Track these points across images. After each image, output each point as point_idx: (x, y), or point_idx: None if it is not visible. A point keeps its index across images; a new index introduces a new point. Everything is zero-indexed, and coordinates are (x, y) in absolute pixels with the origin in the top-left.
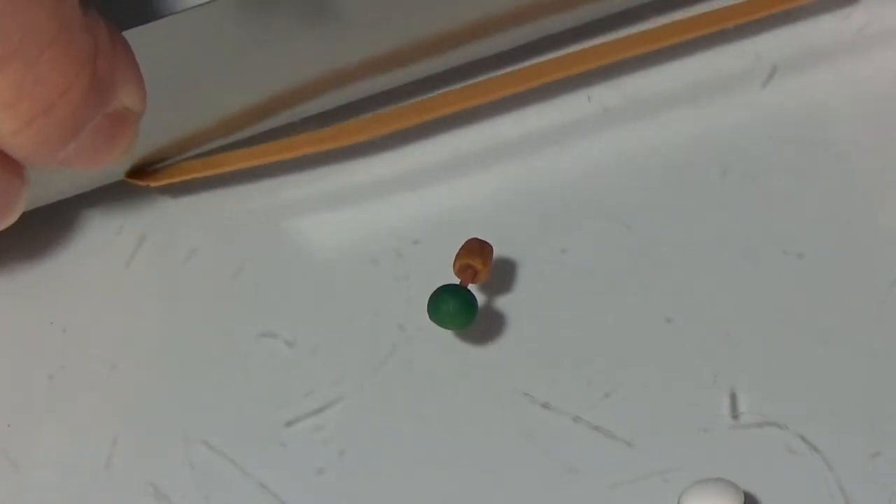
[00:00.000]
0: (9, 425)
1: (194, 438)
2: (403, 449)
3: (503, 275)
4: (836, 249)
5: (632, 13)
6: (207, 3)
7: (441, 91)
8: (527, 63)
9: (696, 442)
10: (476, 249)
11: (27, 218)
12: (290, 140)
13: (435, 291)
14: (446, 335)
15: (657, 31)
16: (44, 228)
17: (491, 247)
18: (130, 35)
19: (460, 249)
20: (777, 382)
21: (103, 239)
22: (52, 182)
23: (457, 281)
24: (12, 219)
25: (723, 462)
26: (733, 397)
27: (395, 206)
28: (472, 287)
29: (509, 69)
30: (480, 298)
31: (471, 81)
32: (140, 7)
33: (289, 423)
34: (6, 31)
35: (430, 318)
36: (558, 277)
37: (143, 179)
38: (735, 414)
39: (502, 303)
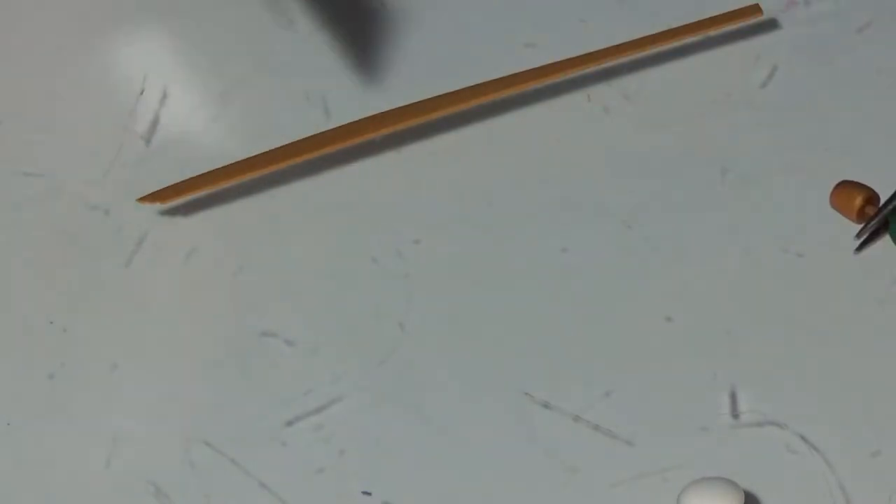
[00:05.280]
0: (8, 424)
1: (194, 438)
2: (403, 449)
3: (503, 274)
4: (836, 249)
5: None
6: None
7: (441, 92)
8: (526, 66)
9: (696, 441)
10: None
11: (28, 217)
12: (292, 145)
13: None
14: (446, 335)
15: (657, 34)
16: (44, 228)
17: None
18: None
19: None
20: (777, 382)
21: (103, 239)
22: None
23: None
24: None
25: (723, 461)
26: (733, 397)
27: (395, 206)
28: None
29: (509, 72)
30: (480, 298)
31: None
32: None
33: (289, 423)
34: None
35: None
36: (558, 277)
37: (153, 200)
38: (735, 413)
39: (502, 302)
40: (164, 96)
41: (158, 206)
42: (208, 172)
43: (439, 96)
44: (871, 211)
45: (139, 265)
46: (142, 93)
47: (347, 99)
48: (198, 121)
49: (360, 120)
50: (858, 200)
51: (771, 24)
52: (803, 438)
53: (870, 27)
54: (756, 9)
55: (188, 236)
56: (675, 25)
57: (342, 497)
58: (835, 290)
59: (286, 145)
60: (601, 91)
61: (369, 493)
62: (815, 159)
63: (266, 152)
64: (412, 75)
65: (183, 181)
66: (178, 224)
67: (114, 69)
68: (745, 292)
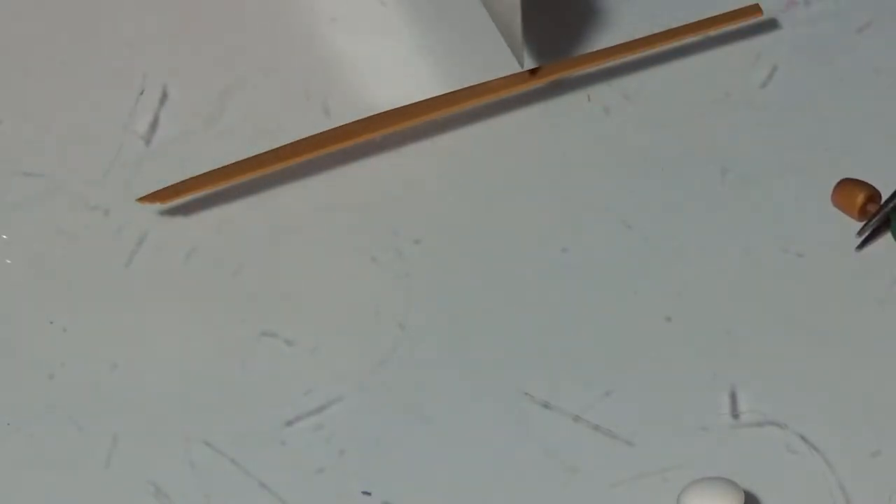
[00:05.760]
0: (8, 424)
1: (194, 438)
2: (403, 449)
3: (503, 274)
4: (836, 249)
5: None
6: None
7: (441, 92)
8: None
9: (696, 441)
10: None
11: (28, 217)
12: (292, 145)
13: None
14: (446, 335)
15: (656, 34)
16: (44, 228)
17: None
18: None
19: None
20: (777, 382)
21: (103, 239)
22: None
23: None
24: None
25: (723, 461)
26: (733, 396)
27: (395, 206)
28: None
29: (508, 72)
30: (480, 298)
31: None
32: None
33: (289, 423)
34: None
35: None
36: (558, 277)
37: (153, 200)
38: (735, 413)
39: (502, 303)
40: (164, 96)
41: (158, 206)
42: (208, 172)
43: (439, 96)
44: (872, 209)
45: (139, 265)
46: (142, 93)
47: (347, 99)
48: (198, 121)
49: (360, 120)
50: (860, 198)
51: (771, 24)
52: (803, 438)
53: (870, 27)
54: (756, 9)
55: (188, 236)
56: (675, 25)
57: (342, 497)
58: (835, 290)
59: (286, 145)
60: (601, 91)
61: (369, 493)
62: (815, 159)
63: (266, 152)
64: (413, 75)
65: (183, 181)
66: (178, 224)
67: (114, 69)
68: (745, 292)
